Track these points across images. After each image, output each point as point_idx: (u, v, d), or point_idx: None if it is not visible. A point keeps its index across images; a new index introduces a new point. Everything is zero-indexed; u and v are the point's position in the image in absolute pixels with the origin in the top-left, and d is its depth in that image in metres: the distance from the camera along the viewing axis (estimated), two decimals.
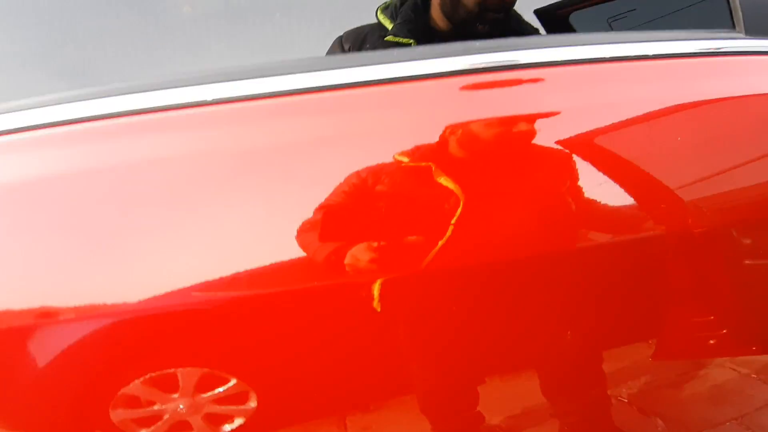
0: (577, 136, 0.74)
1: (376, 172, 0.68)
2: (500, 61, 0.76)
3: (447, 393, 0.79)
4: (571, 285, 0.76)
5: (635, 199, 0.76)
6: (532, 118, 0.74)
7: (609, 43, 0.81)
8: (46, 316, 0.66)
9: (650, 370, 0.83)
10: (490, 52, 0.77)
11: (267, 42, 0.83)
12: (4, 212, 0.68)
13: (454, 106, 0.75)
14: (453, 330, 0.75)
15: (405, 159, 0.69)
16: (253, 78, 0.72)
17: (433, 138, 0.71)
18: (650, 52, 0.81)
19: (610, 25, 0.93)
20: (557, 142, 0.73)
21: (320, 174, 0.69)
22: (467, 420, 0.79)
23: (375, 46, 0.88)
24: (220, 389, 0.71)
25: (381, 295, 0.69)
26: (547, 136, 0.73)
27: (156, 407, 0.71)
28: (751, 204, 0.81)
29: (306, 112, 0.73)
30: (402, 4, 0.90)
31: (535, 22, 0.89)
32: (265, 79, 0.72)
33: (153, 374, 0.69)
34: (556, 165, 0.74)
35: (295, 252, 0.67)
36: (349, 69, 0.74)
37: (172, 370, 0.70)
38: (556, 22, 0.90)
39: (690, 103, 0.80)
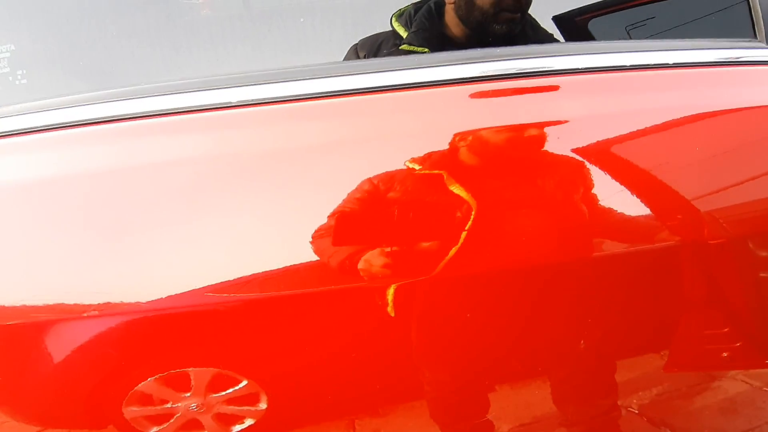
0: (594, 144, 0.74)
1: (389, 179, 0.69)
2: (515, 69, 0.76)
3: (457, 399, 0.79)
4: (583, 293, 0.76)
5: (651, 209, 0.75)
6: (546, 126, 0.74)
7: (628, 52, 0.80)
8: (64, 313, 0.67)
9: (661, 381, 0.83)
10: (506, 59, 0.77)
11: (284, 45, 0.83)
12: (25, 210, 0.69)
13: (467, 113, 0.75)
14: (465, 336, 0.75)
15: (417, 166, 0.69)
16: (264, 83, 0.73)
17: (446, 145, 0.71)
18: (670, 61, 0.80)
19: (628, 33, 0.92)
20: (572, 150, 0.73)
21: (335, 177, 0.69)
22: (477, 427, 0.79)
23: (390, 55, 0.88)
24: (232, 390, 0.72)
25: (394, 300, 0.69)
26: (562, 144, 0.73)
27: (168, 405, 0.72)
28: None
29: (321, 116, 0.73)
30: (416, 12, 0.91)
31: (553, 29, 0.88)
32: (276, 84, 0.73)
33: (166, 373, 0.70)
34: (570, 173, 0.73)
35: (309, 255, 0.68)
36: (363, 75, 0.74)
37: (185, 370, 0.71)
38: (574, 29, 0.89)
39: (710, 113, 0.79)
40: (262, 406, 0.73)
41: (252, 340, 0.71)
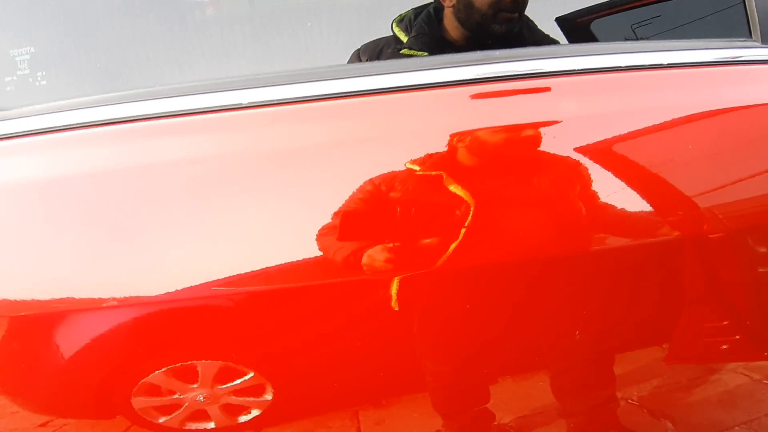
0: (589, 143, 0.75)
1: (390, 179, 0.71)
2: (513, 71, 0.77)
3: (458, 389, 0.80)
4: (582, 287, 0.77)
5: (647, 205, 0.76)
6: (542, 126, 0.75)
7: (623, 53, 0.81)
8: (75, 306, 0.69)
9: (662, 373, 0.83)
10: (503, 61, 0.78)
11: (290, 49, 0.86)
12: (44, 206, 0.72)
13: (466, 114, 0.76)
14: (465, 328, 0.76)
15: (417, 167, 0.71)
16: (271, 85, 0.75)
17: (444, 146, 0.73)
18: (665, 62, 0.81)
19: (634, 32, 0.94)
20: (568, 149, 0.74)
21: (339, 177, 0.71)
22: (477, 416, 0.80)
23: (390, 59, 0.90)
24: (239, 381, 0.73)
25: (397, 293, 0.71)
26: (558, 143, 0.74)
27: (176, 396, 0.73)
28: None
29: (325, 118, 0.75)
30: (416, 17, 0.93)
31: (556, 30, 0.90)
32: (282, 86, 0.75)
33: (174, 365, 0.72)
34: (567, 171, 0.75)
35: (315, 251, 0.69)
36: (365, 77, 0.76)
37: (192, 362, 0.72)
38: (577, 30, 0.91)
39: (705, 113, 0.80)
40: (268, 396, 0.74)
41: (258, 333, 0.73)
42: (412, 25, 0.92)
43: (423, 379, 0.78)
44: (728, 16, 0.91)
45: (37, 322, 0.70)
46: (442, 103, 0.77)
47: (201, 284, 0.69)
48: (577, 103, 0.79)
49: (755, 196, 0.79)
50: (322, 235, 0.70)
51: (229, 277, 0.69)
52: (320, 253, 0.69)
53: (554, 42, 0.89)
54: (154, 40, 0.83)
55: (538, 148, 0.75)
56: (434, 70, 0.77)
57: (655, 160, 0.77)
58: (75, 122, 0.73)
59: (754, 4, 0.86)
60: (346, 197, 0.70)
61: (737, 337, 0.84)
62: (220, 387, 0.73)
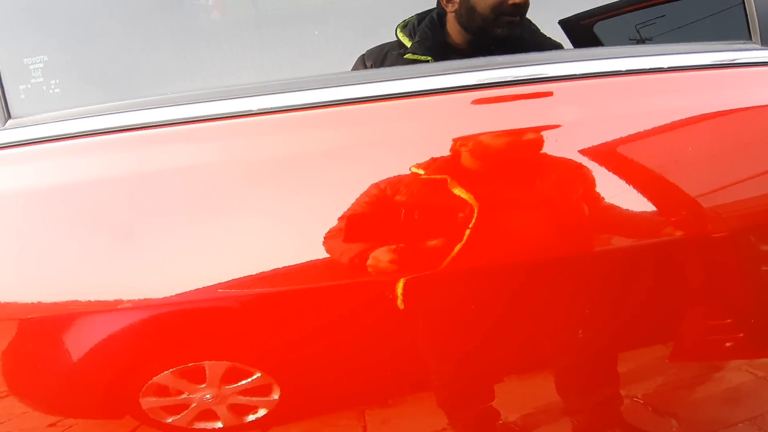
0: (591, 147, 0.75)
1: (395, 184, 0.72)
2: (515, 76, 0.78)
3: (463, 388, 0.80)
4: (586, 287, 0.78)
5: (650, 206, 0.77)
6: (544, 130, 0.76)
7: (623, 57, 0.82)
8: (85, 308, 0.70)
9: (666, 371, 0.83)
10: (506, 67, 0.79)
11: (296, 55, 0.87)
12: (56, 211, 0.73)
13: (469, 119, 0.77)
14: (469, 327, 0.77)
15: (422, 171, 0.72)
16: (278, 93, 0.76)
17: (448, 150, 0.74)
18: (665, 65, 0.82)
19: (638, 32, 0.94)
20: (570, 152, 0.75)
21: (345, 181, 0.73)
22: (482, 415, 0.80)
23: (395, 64, 0.91)
24: (246, 381, 0.74)
25: (403, 294, 0.72)
26: (560, 146, 0.75)
27: (184, 396, 0.74)
28: None
29: (331, 124, 0.77)
30: (420, 23, 0.95)
31: (558, 33, 0.91)
32: (289, 93, 0.76)
33: (182, 366, 0.73)
34: (569, 173, 0.76)
35: (321, 253, 0.71)
36: (370, 84, 0.77)
37: (200, 362, 0.73)
38: (580, 32, 0.92)
39: (707, 114, 0.80)
40: (275, 396, 0.75)
41: (265, 334, 0.74)
42: (415, 31, 0.93)
43: (428, 378, 0.78)
44: (730, 16, 0.91)
45: (48, 324, 0.71)
46: (446, 109, 0.78)
47: (209, 286, 0.70)
48: (579, 106, 0.80)
49: (757, 195, 0.80)
50: (329, 237, 0.71)
51: (237, 279, 0.70)
52: (327, 255, 0.71)
53: (556, 45, 0.90)
54: (165, 47, 0.85)
55: (541, 152, 0.76)
56: (438, 76, 0.78)
57: (657, 162, 0.77)
58: (88, 129, 0.75)
59: (753, 5, 0.86)
60: (353, 201, 0.71)
61: (741, 334, 0.84)
62: (228, 387, 0.74)
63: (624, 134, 0.77)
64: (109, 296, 0.70)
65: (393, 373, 0.77)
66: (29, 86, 0.80)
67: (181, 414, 0.75)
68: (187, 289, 0.70)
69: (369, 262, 0.71)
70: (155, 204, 0.73)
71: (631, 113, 0.79)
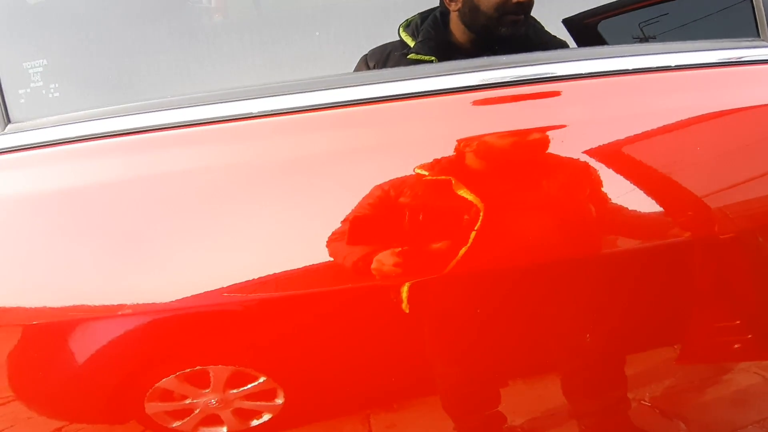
0: (598, 146, 0.75)
1: (399, 185, 0.71)
2: (520, 76, 0.77)
3: (469, 392, 0.80)
4: (594, 289, 0.77)
5: (658, 207, 0.76)
6: (550, 130, 0.75)
7: (630, 56, 0.81)
8: (89, 314, 0.70)
9: (674, 373, 0.83)
10: (511, 67, 0.78)
11: (298, 56, 0.87)
12: (58, 216, 0.73)
13: (474, 120, 0.77)
14: (475, 331, 0.76)
15: (426, 172, 0.72)
16: (280, 95, 0.76)
17: (453, 151, 0.73)
18: (672, 63, 0.81)
19: (641, 30, 0.93)
20: (576, 153, 0.74)
21: (348, 184, 0.72)
22: (489, 419, 0.80)
23: (398, 64, 0.91)
24: (250, 386, 0.74)
25: (408, 297, 0.71)
26: (567, 146, 0.74)
27: (188, 401, 0.74)
28: None
29: (334, 126, 0.76)
30: (423, 22, 0.94)
31: (562, 32, 0.90)
32: (292, 95, 0.76)
33: (186, 370, 0.72)
34: (575, 174, 0.75)
35: (325, 257, 0.70)
36: (374, 85, 0.77)
37: (204, 367, 0.73)
38: (584, 31, 0.91)
39: (715, 113, 0.80)
40: (279, 401, 0.74)
41: (269, 338, 0.74)
42: (418, 30, 0.92)
43: (434, 382, 0.78)
44: (738, 12, 0.90)
45: (53, 330, 0.71)
46: (451, 109, 0.78)
47: (213, 291, 0.70)
48: (585, 106, 0.79)
49: (765, 195, 0.79)
50: (333, 240, 0.70)
51: (240, 283, 0.70)
52: (331, 259, 0.70)
53: (561, 43, 0.89)
54: (165, 50, 0.84)
55: (547, 152, 0.75)
56: (442, 77, 0.77)
57: (665, 162, 0.77)
58: (88, 133, 0.75)
59: (761, 2, 0.85)
60: (356, 204, 0.71)
61: (749, 336, 0.83)
62: (232, 391, 0.74)
63: (630, 134, 0.76)
64: (113, 301, 0.70)
65: (398, 377, 0.77)
66: (29, 90, 0.79)
67: (186, 419, 0.75)
68: (190, 294, 0.70)
69: (373, 265, 0.71)
70: (157, 208, 0.72)
71: (637, 112, 0.79)
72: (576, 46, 0.91)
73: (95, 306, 0.70)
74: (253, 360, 0.74)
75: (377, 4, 0.96)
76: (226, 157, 0.74)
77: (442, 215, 0.73)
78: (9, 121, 0.77)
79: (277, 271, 0.70)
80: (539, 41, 0.88)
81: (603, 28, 0.94)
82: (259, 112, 0.75)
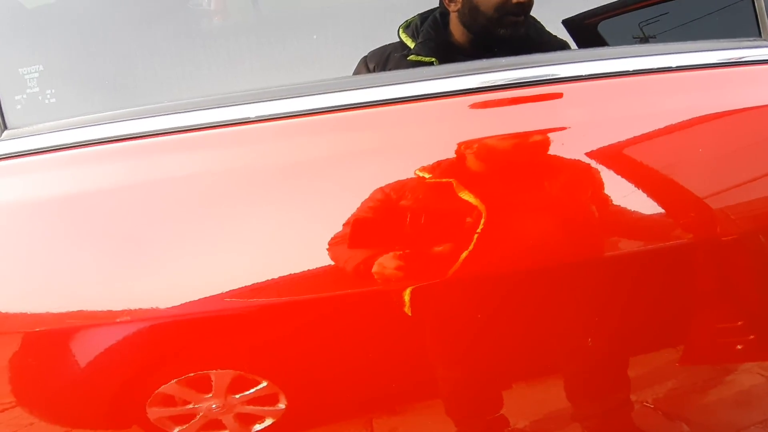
0: (599, 148, 0.75)
1: (400, 188, 0.71)
2: (521, 78, 0.77)
3: (471, 396, 0.80)
4: (596, 291, 0.77)
5: (660, 208, 0.76)
6: (551, 132, 0.75)
7: (630, 57, 0.81)
8: (90, 320, 0.70)
9: (677, 375, 0.83)
10: (511, 69, 0.78)
11: (297, 60, 0.86)
12: (57, 223, 0.72)
13: (475, 122, 0.76)
14: (477, 334, 0.76)
15: (427, 175, 0.72)
16: (279, 99, 0.75)
17: (454, 154, 0.73)
18: (673, 64, 0.80)
19: (641, 30, 0.93)
20: (578, 155, 0.74)
21: (349, 187, 0.72)
22: (491, 423, 0.80)
23: (398, 66, 0.90)
24: (252, 390, 0.74)
25: (410, 301, 0.71)
26: (569, 148, 0.74)
27: (190, 406, 0.74)
28: None
29: (334, 129, 0.76)
30: (423, 23, 0.94)
31: (562, 32, 0.90)
32: (291, 99, 0.75)
33: (188, 375, 0.72)
34: (578, 176, 0.75)
35: (326, 261, 0.70)
36: (374, 88, 0.76)
37: (206, 372, 0.73)
38: (584, 31, 0.91)
39: (717, 114, 0.79)
40: (282, 405, 0.74)
41: (271, 342, 0.74)
42: (418, 31, 0.92)
43: (436, 386, 0.78)
44: (738, 11, 0.89)
45: (54, 336, 0.71)
46: (452, 112, 0.77)
47: (214, 296, 0.69)
48: (586, 107, 0.79)
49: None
50: (334, 244, 0.70)
51: (241, 288, 0.70)
52: (332, 263, 0.70)
53: (562, 42, 0.88)
54: (163, 54, 0.84)
55: (549, 154, 0.75)
56: (442, 80, 0.77)
57: (667, 163, 0.77)
58: (85, 139, 0.74)
59: (763, 2, 0.85)
60: (357, 207, 0.71)
61: (752, 337, 0.83)
62: (234, 396, 0.74)
63: (632, 135, 0.76)
64: (114, 307, 0.70)
65: (401, 381, 0.77)
66: (25, 96, 0.79)
67: (188, 424, 0.75)
68: (191, 299, 0.69)
69: (375, 269, 0.71)
70: (156, 214, 0.72)
71: (639, 114, 0.78)
72: (576, 46, 0.90)
73: (96, 312, 0.70)
74: (255, 364, 0.74)
75: (376, 5, 0.96)
76: (226, 162, 0.74)
77: (443, 218, 0.73)
78: (5, 128, 0.76)
79: (278, 276, 0.70)
80: (540, 41, 0.88)
81: (603, 28, 0.93)
82: (257, 117, 0.74)
